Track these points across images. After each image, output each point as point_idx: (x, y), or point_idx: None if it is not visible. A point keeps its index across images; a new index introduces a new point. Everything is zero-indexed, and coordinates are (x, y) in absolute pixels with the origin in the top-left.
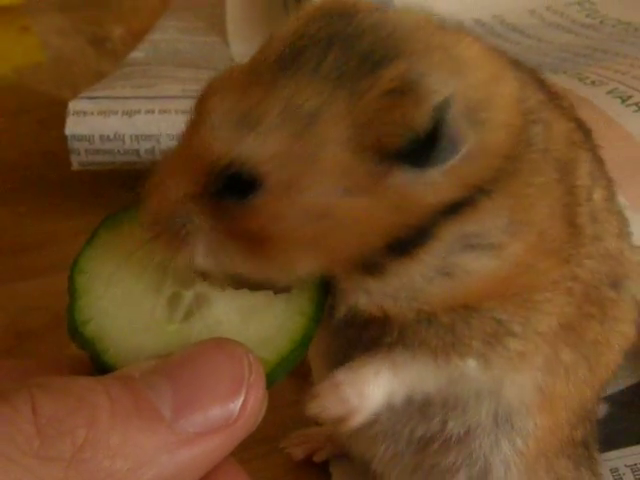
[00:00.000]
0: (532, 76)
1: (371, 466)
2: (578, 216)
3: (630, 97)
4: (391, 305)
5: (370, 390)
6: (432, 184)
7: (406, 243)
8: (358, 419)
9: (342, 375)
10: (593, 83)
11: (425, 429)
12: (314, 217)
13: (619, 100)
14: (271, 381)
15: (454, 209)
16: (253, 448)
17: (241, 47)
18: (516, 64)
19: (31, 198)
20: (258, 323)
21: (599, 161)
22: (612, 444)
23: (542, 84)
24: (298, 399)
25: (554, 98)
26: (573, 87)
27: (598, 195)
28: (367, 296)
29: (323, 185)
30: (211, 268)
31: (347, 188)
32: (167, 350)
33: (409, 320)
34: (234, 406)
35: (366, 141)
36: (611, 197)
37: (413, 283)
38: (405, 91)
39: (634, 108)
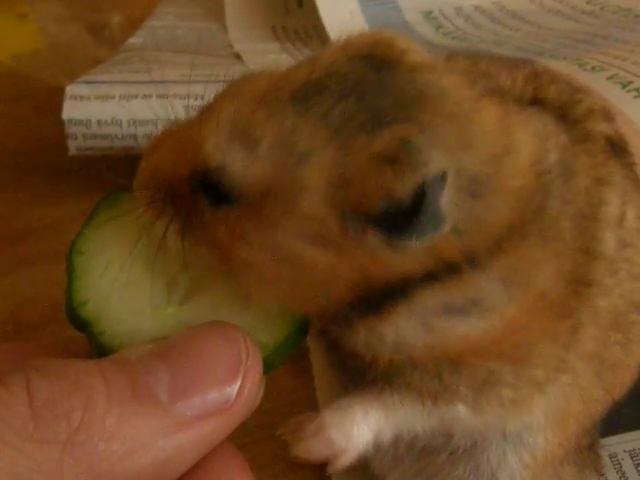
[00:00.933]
0: (556, 106)
1: (370, 466)
2: (591, 271)
3: (630, 83)
4: (364, 349)
5: (357, 432)
6: (407, 253)
7: (376, 301)
8: (345, 460)
9: (329, 416)
10: (593, 69)
11: (427, 441)
12: (278, 255)
13: (619, 86)
14: (269, 366)
15: (432, 277)
16: (250, 435)
17: (239, 33)
18: (539, 89)
19: (29, 184)
20: (255, 307)
21: (633, 178)
22: (611, 430)
23: (568, 113)
24: (295, 386)
25: (581, 131)
26: (573, 73)
27: (631, 214)
28: (349, 334)
29: (293, 227)
30: (178, 249)
31: (316, 238)
32: (164, 333)
33: (395, 361)
34: (231, 390)
35: (345, 197)
36: None
37: (385, 338)
38: (394, 159)
39: (634, 94)
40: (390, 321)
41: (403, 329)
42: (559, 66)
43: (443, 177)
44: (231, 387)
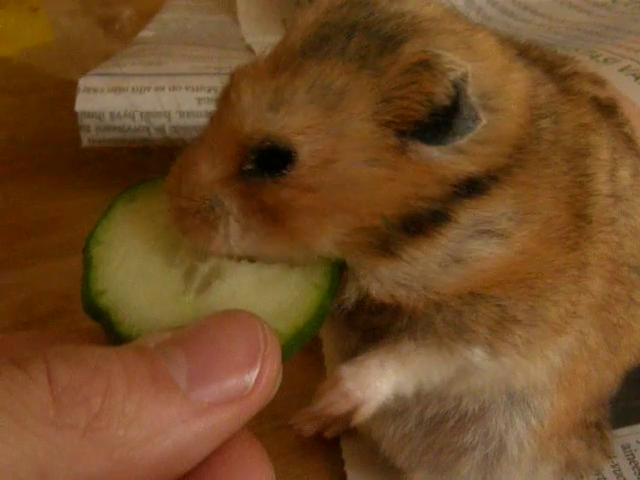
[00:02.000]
0: (542, 63)
1: (380, 446)
2: (588, 206)
3: None
4: (402, 294)
5: (374, 382)
6: (448, 160)
7: (422, 221)
8: (365, 411)
9: (345, 369)
10: (606, 61)
11: (438, 407)
12: (341, 185)
13: (632, 77)
14: (286, 354)
15: (468, 192)
16: (264, 424)
17: (251, 26)
18: (525, 51)
19: (42, 177)
20: (273, 295)
21: (625, 137)
22: (624, 421)
23: (553, 70)
24: (310, 376)
25: (566, 85)
26: (585, 65)
27: (624, 172)
28: (379, 284)
29: (350, 156)
30: (242, 250)
31: (371, 159)
32: (182, 322)
33: (419, 308)
34: (249, 377)
35: (389, 115)
36: None
37: (426, 271)
38: (425, 66)
39: None
40: (433, 245)
41: (442, 257)
42: None
43: (466, 76)
44: (249, 374)
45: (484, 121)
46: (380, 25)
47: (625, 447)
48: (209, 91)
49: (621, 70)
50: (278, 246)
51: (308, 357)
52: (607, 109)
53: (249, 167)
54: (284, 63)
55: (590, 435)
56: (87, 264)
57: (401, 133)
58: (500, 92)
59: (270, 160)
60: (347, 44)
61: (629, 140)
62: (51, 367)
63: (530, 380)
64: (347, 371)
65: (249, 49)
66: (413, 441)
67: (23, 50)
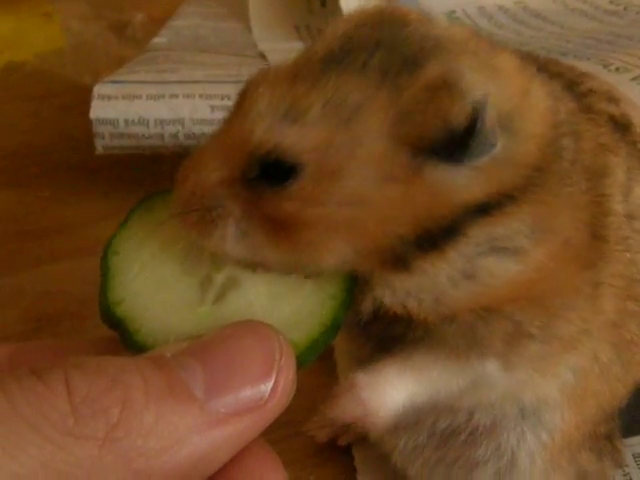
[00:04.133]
0: (562, 80)
1: (392, 457)
2: (604, 227)
3: None
4: (414, 305)
5: (390, 392)
6: (463, 181)
7: (435, 237)
8: (379, 421)
9: (361, 376)
10: (617, 70)
11: (450, 420)
12: (350, 203)
13: None
14: (301, 363)
15: (483, 210)
16: (277, 430)
17: (263, 33)
18: (545, 66)
19: (55, 182)
20: (288, 306)
21: (638, 155)
22: (635, 430)
23: (572, 88)
24: (323, 382)
25: (585, 103)
26: (597, 74)
27: (639, 190)
28: (391, 294)
29: (361, 173)
30: (238, 254)
31: (384, 177)
32: (198, 332)
33: (432, 320)
34: (265, 388)
35: (405, 134)
36: None
37: (437, 285)
38: (445, 86)
39: None
40: (446, 261)
41: (454, 272)
42: (583, 67)
43: (486, 99)
44: (265, 385)
45: (500, 144)
46: (405, 44)
47: (636, 456)
48: (222, 99)
49: (633, 79)
50: (280, 256)
51: (321, 364)
52: (623, 127)
53: (252, 174)
54: (304, 72)
55: (601, 447)
56: (105, 274)
57: (416, 152)
58: (520, 114)
59: (274, 171)
60: (369, 60)
61: None
62: (70, 377)
63: (541, 395)
64: (363, 379)
65: (262, 56)
66: (425, 453)
67: (36, 55)
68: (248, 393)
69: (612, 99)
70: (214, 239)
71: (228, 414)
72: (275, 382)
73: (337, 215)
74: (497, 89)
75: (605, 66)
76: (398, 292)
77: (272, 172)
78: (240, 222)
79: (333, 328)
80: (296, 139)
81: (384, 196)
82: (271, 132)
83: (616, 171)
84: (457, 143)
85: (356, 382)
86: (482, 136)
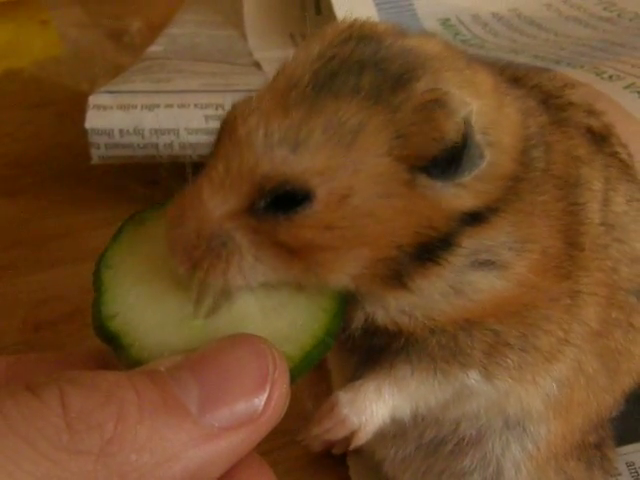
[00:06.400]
0: (538, 93)
1: (383, 467)
2: (580, 235)
3: None
4: (405, 321)
5: (370, 406)
6: (456, 193)
7: (433, 249)
8: (363, 436)
9: (342, 395)
10: (610, 78)
11: (437, 431)
12: (359, 220)
13: (636, 95)
14: (294, 377)
15: (474, 219)
16: (272, 440)
17: (258, 41)
18: (523, 79)
19: (51, 190)
20: (281, 319)
21: (620, 164)
22: (628, 438)
23: (548, 99)
24: (317, 392)
25: (561, 117)
26: (590, 82)
27: (619, 199)
28: (384, 312)
29: (367, 191)
30: (253, 282)
31: (386, 193)
32: (192, 345)
33: (417, 332)
34: (259, 401)
35: (404, 151)
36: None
37: (430, 301)
38: (438, 104)
39: None
40: (440, 276)
41: (445, 287)
42: (576, 75)
43: (471, 115)
44: (259, 398)
45: (488, 157)
46: (388, 62)
47: (630, 465)
48: (217, 108)
49: (626, 87)
50: (291, 276)
51: (316, 373)
52: (601, 138)
53: (262, 205)
54: (295, 99)
55: (589, 456)
56: (97, 288)
57: (413, 168)
58: (496, 127)
59: (286, 200)
60: (359, 81)
61: (625, 166)
62: (64, 393)
63: (524, 406)
64: (344, 397)
65: (257, 65)
66: (413, 464)
67: (33, 63)
68: (242, 407)
69: (592, 112)
70: (232, 274)
71: (222, 428)
72: (269, 395)
73: (349, 233)
74: (478, 105)
75: (598, 74)
76: (391, 310)
77: (284, 201)
78: (251, 251)
79: (327, 341)
80: (304, 167)
81: (388, 210)
82: (277, 163)
83: (591, 181)
84: (451, 159)
85: (337, 401)
86: (472, 151)
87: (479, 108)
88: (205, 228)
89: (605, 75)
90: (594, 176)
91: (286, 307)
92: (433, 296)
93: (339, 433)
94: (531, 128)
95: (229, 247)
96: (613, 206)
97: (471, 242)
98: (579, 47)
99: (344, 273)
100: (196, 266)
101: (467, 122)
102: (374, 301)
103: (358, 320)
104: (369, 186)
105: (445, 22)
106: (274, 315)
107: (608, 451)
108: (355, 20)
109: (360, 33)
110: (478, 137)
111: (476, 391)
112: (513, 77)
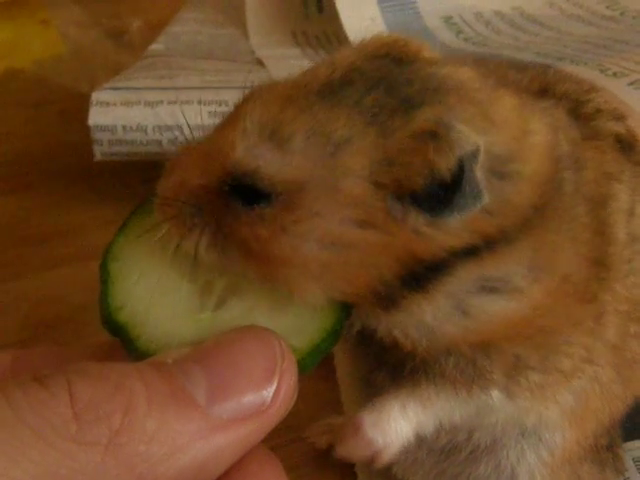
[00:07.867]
0: (567, 102)
1: (392, 470)
2: (609, 256)
3: None
4: (400, 337)
5: (395, 427)
6: (447, 230)
7: (420, 277)
8: (387, 456)
9: (366, 417)
10: (614, 75)
11: (450, 438)
12: (325, 244)
13: None
14: (301, 370)
15: (471, 252)
16: (277, 437)
17: (260, 39)
18: (552, 86)
19: (54, 189)
20: (289, 311)
21: None
22: (635, 434)
23: (578, 110)
24: (321, 389)
25: (591, 127)
26: (594, 79)
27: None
28: (378, 324)
29: (338, 213)
30: (213, 262)
31: (361, 220)
32: (199, 337)
33: (423, 351)
34: (267, 393)
35: (387, 178)
36: None
37: (422, 322)
38: (433, 136)
39: None
40: (432, 300)
41: (442, 309)
42: (580, 72)
43: (476, 152)
44: (267, 390)
45: (489, 196)
46: (404, 85)
47: (636, 460)
48: (220, 105)
49: (630, 84)
50: (257, 277)
51: (321, 369)
52: (628, 146)
53: (226, 189)
54: (297, 97)
55: (602, 458)
56: (105, 280)
57: (397, 198)
58: (516, 157)
59: (248, 191)
60: (363, 97)
61: None
62: (72, 383)
63: (542, 417)
64: (368, 418)
65: (259, 62)
66: (424, 467)
67: (34, 62)
68: (250, 398)
69: (618, 117)
70: (188, 244)
71: (230, 420)
72: (277, 387)
73: (311, 255)
74: (491, 137)
75: (602, 71)
76: (383, 325)
77: (248, 192)
78: (216, 234)
79: (334, 334)
80: (275, 167)
81: (361, 239)
82: (252, 153)
83: (620, 197)
84: (441, 196)
85: (361, 423)
86: (467, 191)
87: (491, 142)
88: (181, 191)
89: (609, 72)
90: (622, 190)
91: (293, 300)
92: (426, 319)
93: (364, 454)
94: (562, 147)
95: (194, 220)
96: (635, 216)
97: (471, 273)
98: (582, 44)
99: (310, 295)
100: (165, 219)
101: (466, 160)
102: (370, 316)
103: (356, 325)
104: (341, 209)
105: (448, 20)
106: (282, 307)
107: (618, 450)
108: (401, 38)
109: (399, 52)
110: (478, 176)
111: (497, 408)
112: (543, 86)
